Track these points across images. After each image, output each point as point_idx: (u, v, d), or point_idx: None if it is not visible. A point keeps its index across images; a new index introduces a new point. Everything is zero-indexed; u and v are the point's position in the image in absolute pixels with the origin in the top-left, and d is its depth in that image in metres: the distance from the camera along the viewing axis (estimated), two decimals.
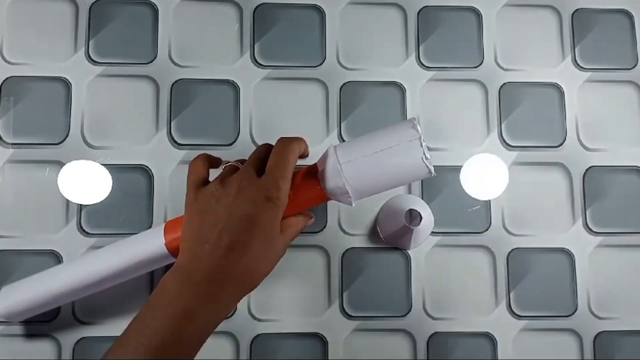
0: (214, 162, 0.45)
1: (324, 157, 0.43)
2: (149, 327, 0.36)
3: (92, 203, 0.53)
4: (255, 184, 0.39)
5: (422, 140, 0.40)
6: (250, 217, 0.38)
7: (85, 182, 0.53)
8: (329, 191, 0.42)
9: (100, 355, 0.37)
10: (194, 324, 0.36)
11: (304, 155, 0.44)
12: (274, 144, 0.43)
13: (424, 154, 0.40)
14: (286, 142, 0.42)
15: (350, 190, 0.41)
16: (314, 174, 0.43)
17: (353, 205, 0.42)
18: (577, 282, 0.55)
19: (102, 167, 0.54)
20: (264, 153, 0.43)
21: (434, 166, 0.41)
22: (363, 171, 0.41)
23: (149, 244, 0.45)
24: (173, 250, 0.44)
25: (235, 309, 0.53)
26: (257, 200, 0.39)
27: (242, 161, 0.44)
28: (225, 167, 0.43)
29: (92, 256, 0.46)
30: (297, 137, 0.43)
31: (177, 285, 0.37)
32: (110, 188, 0.53)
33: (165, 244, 0.44)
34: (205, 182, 0.42)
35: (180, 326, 0.36)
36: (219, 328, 0.51)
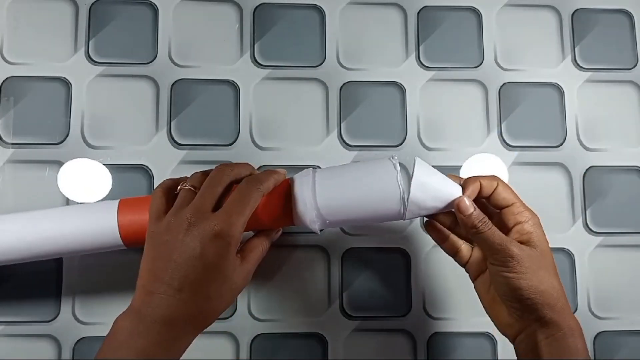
0: (176, 187, 0.43)
1: (301, 180, 0.42)
2: None
3: (92, 202, 0.53)
4: (205, 219, 0.38)
5: (401, 189, 0.40)
6: (198, 256, 0.37)
7: (85, 180, 0.53)
8: (298, 220, 0.42)
9: None
10: None
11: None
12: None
13: (403, 203, 0.40)
14: (253, 182, 0.40)
15: (319, 225, 0.41)
16: (287, 196, 0.42)
17: (319, 233, 0.43)
18: (577, 282, 0.55)
19: (102, 165, 0.54)
20: (217, 183, 0.40)
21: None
22: (338, 212, 0.41)
23: (102, 228, 0.42)
24: (127, 240, 0.43)
25: (235, 309, 0.53)
26: (204, 238, 0.37)
27: (198, 180, 0.42)
28: (180, 189, 0.42)
29: (35, 218, 0.43)
30: (271, 174, 0.42)
31: (130, 326, 0.37)
32: (110, 187, 0.53)
33: (120, 234, 0.42)
34: (165, 212, 0.41)
35: None
36: (219, 328, 0.52)
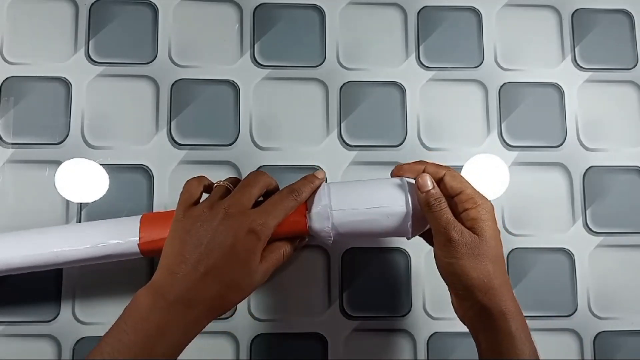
0: (209, 187, 0.45)
1: (316, 195, 0.43)
2: (121, 342, 0.37)
3: (89, 202, 0.53)
4: (243, 213, 0.40)
5: (409, 209, 0.42)
6: (230, 246, 0.39)
7: (82, 180, 0.53)
8: (312, 229, 0.43)
9: None
10: (165, 342, 0.37)
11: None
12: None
13: (409, 225, 0.42)
14: (292, 191, 0.42)
15: (332, 234, 0.43)
16: (302, 209, 0.43)
17: (330, 242, 0.43)
18: (577, 282, 0.55)
19: (99, 165, 0.54)
20: (256, 184, 0.42)
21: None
22: (350, 224, 0.42)
23: (122, 238, 0.43)
24: (145, 251, 0.44)
25: (235, 309, 0.53)
26: (239, 231, 0.39)
27: (234, 181, 0.44)
28: (215, 186, 0.43)
29: (58, 233, 0.44)
30: (310, 183, 0.43)
31: (151, 302, 0.38)
32: (108, 188, 0.53)
33: (139, 244, 0.43)
34: (196, 202, 0.42)
35: (152, 343, 0.36)
36: (219, 328, 0.52)
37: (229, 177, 0.45)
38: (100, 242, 0.44)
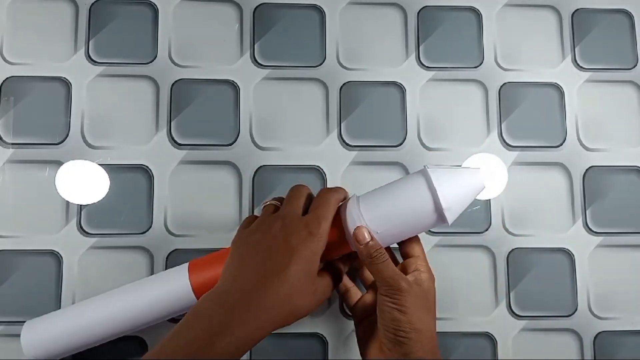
0: None
1: (347, 209, 0.43)
2: (184, 338, 0.37)
3: (89, 203, 0.53)
4: (299, 220, 0.41)
5: (436, 199, 0.41)
6: (292, 247, 0.39)
7: (83, 182, 0.53)
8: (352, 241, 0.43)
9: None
10: (227, 340, 0.36)
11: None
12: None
13: (441, 211, 0.41)
14: (330, 189, 0.44)
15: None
16: (341, 233, 0.43)
17: None
18: (577, 282, 0.55)
19: (99, 166, 0.54)
20: (301, 195, 0.44)
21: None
22: (388, 238, 0.43)
23: (174, 286, 0.44)
24: (198, 292, 0.43)
25: None
26: (300, 234, 0.40)
27: (279, 199, 0.45)
28: (264, 206, 0.45)
29: (114, 298, 0.45)
30: (338, 188, 0.45)
31: (213, 305, 0.38)
32: (108, 188, 0.53)
33: (191, 285, 0.43)
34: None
35: (214, 340, 0.36)
36: None
37: (276, 197, 0.46)
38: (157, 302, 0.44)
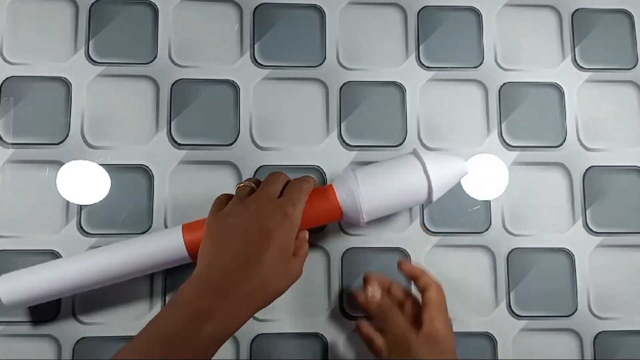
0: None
1: (343, 180, 0.47)
2: (166, 321, 0.37)
3: (90, 203, 0.53)
4: (273, 202, 0.42)
5: (427, 173, 0.46)
6: (268, 230, 0.40)
7: (83, 182, 0.53)
8: (347, 217, 0.47)
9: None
10: (210, 324, 0.37)
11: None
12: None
13: (429, 185, 0.46)
14: (301, 179, 0.45)
15: (365, 214, 0.46)
16: (334, 200, 0.46)
17: (364, 225, 0.47)
18: (577, 282, 0.55)
19: (99, 166, 0.54)
20: (278, 180, 0.45)
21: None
22: (378, 201, 0.46)
23: (167, 243, 0.46)
24: (192, 251, 0.45)
25: None
26: (275, 216, 0.41)
27: (255, 181, 0.46)
28: (238, 187, 0.45)
29: (104, 250, 0.46)
30: (309, 178, 0.46)
31: (196, 290, 0.39)
32: (109, 188, 0.53)
33: (185, 244, 0.45)
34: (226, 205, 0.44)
35: (197, 323, 0.37)
36: None
37: (250, 178, 0.46)
38: (152, 252, 0.46)
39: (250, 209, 0.41)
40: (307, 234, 0.45)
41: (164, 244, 0.46)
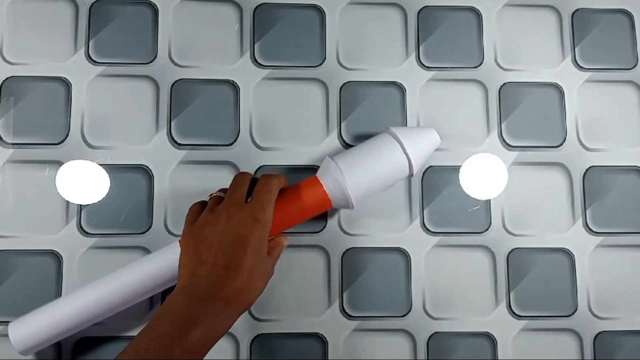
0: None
1: (326, 170, 0.49)
2: (156, 332, 0.38)
3: (90, 203, 0.53)
4: (243, 208, 0.43)
5: (405, 150, 0.49)
6: (242, 237, 0.41)
7: (83, 182, 0.53)
8: (334, 200, 0.48)
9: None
10: (199, 329, 0.38)
11: (284, 188, 0.49)
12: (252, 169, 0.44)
13: (409, 161, 0.49)
14: (268, 175, 0.46)
15: (352, 197, 0.48)
16: (318, 184, 0.48)
17: (354, 208, 0.49)
18: (577, 282, 0.55)
19: (99, 166, 0.54)
20: (244, 182, 0.46)
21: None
22: (364, 186, 0.48)
23: (167, 261, 0.46)
24: None
25: None
26: (246, 222, 0.42)
27: (224, 190, 0.47)
28: (210, 198, 0.46)
29: (107, 279, 0.47)
30: (278, 174, 0.47)
31: (182, 300, 0.40)
32: (108, 188, 0.53)
33: None
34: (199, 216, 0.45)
35: (186, 330, 0.38)
36: None
37: (222, 188, 0.47)
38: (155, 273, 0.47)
39: (222, 218, 0.42)
40: (285, 240, 0.48)
41: (164, 264, 0.46)
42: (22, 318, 0.46)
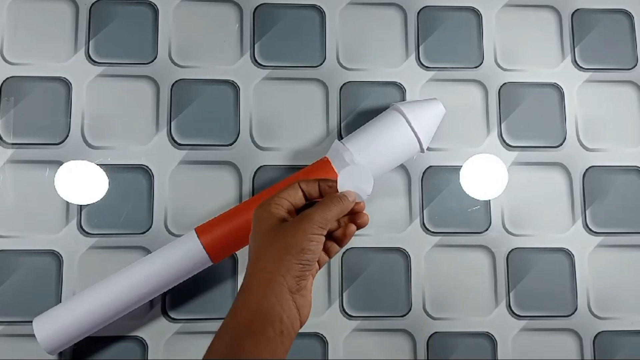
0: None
1: (336, 153, 0.49)
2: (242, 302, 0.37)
3: (90, 203, 0.53)
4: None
5: (412, 126, 0.49)
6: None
7: (83, 182, 0.53)
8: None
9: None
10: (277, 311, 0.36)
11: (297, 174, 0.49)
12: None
13: (417, 138, 0.50)
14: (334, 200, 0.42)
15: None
16: (331, 168, 0.49)
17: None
18: (577, 282, 0.55)
19: (99, 166, 0.54)
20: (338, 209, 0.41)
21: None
22: (376, 168, 0.49)
23: (185, 250, 0.47)
24: (211, 253, 0.47)
25: None
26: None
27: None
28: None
29: (127, 272, 0.47)
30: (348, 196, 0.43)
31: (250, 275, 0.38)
32: (108, 188, 0.53)
33: (204, 247, 0.46)
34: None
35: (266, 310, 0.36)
36: None
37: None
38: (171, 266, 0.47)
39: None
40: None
41: (183, 253, 0.47)
42: (46, 314, 0.47)
